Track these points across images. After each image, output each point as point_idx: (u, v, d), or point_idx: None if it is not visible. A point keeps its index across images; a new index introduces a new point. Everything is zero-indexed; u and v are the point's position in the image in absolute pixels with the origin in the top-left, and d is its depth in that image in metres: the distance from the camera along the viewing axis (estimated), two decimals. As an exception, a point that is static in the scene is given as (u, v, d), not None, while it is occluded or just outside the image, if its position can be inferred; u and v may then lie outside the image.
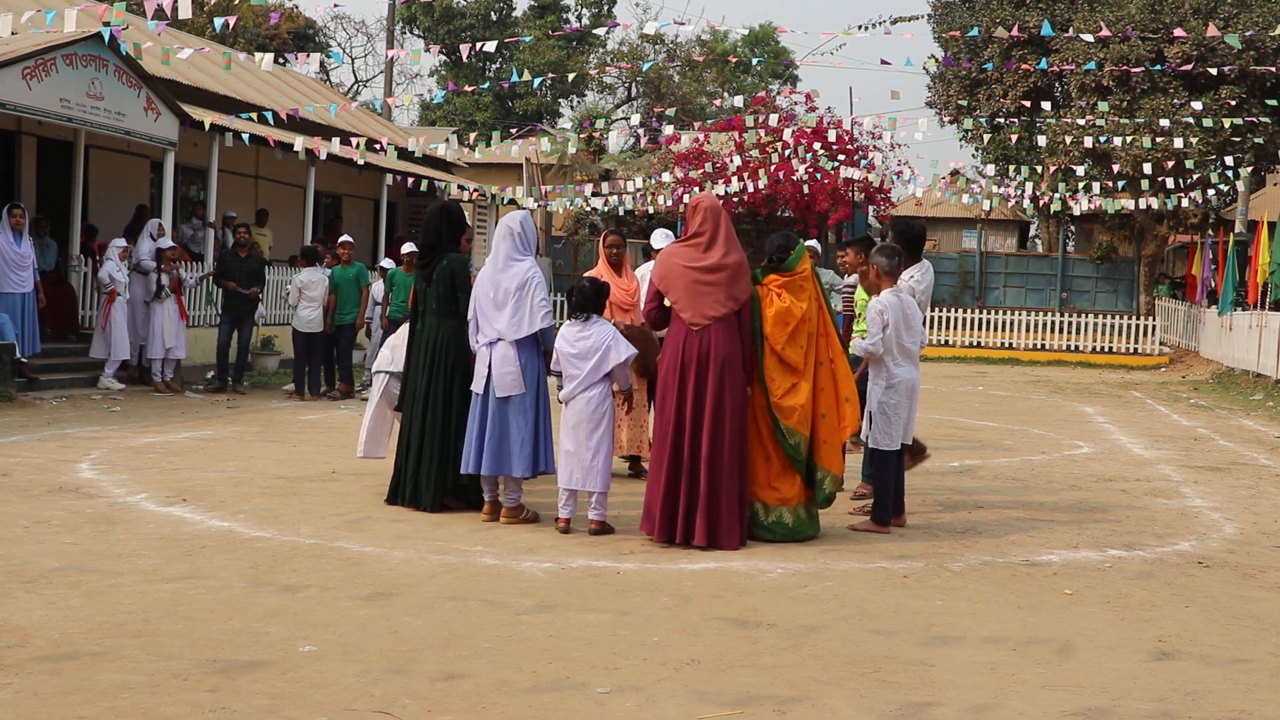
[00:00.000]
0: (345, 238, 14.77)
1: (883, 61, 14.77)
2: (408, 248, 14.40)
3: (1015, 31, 17.85)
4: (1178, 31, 17.56)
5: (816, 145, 24.08)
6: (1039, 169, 23.67)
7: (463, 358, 7.30)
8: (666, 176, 24.35)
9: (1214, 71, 18.11)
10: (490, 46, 15.11)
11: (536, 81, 15.86)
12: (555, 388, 7.10)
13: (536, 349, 7.01)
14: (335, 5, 13.07)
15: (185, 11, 10.59)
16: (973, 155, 32.50)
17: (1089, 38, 16.02)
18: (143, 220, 16.04)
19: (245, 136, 16.36)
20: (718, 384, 6.56)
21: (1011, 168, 25.19)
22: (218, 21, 13.23)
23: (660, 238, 8.92)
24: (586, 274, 7.51)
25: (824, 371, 6.83)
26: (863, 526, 7.25)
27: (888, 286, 7.24)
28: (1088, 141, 21.96)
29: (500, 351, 6.91)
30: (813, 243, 8.82)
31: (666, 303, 6.87)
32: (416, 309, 7.50)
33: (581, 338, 6.86)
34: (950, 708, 4.19)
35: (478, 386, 6.98)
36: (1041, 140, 21.47)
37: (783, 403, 6.69)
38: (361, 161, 18.75)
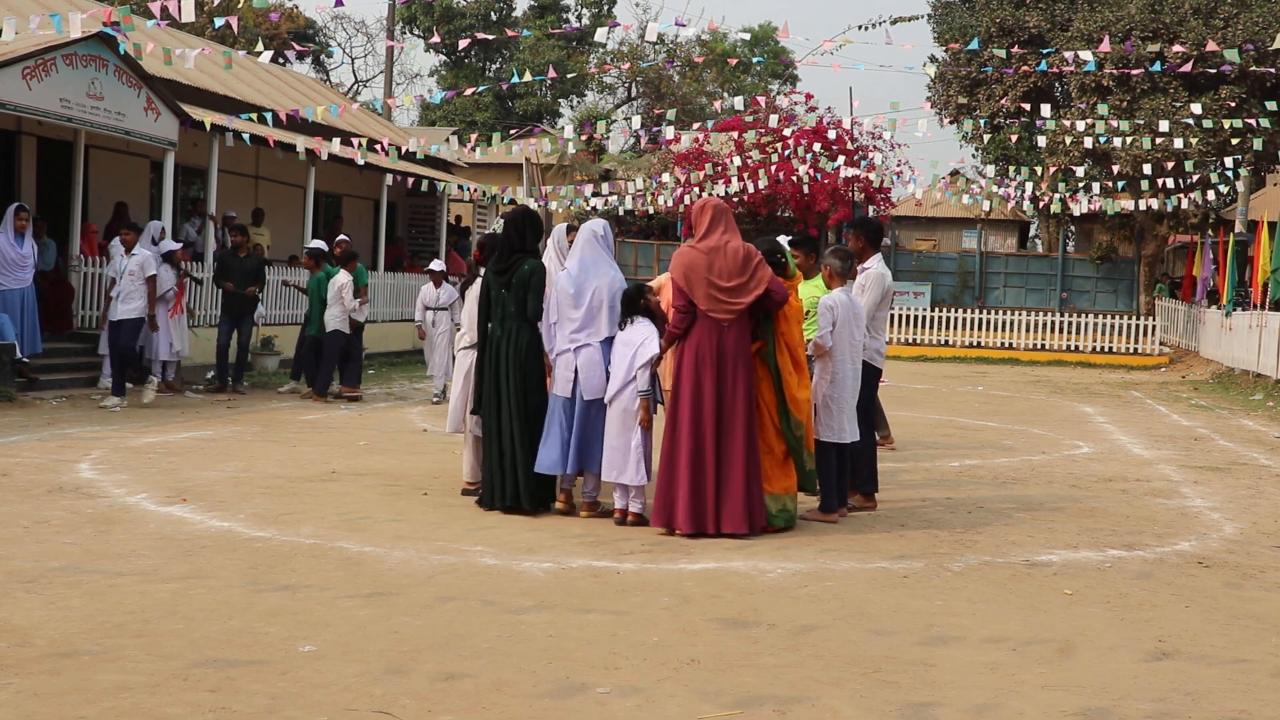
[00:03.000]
0: (341, 237, 14.74)
1: (882, 66, 14.76)
2: (315, 244, 14.41)
3: (1015, 47, 17.78)
4: (1176, 47, 17.55)
5: (816, 145, 24.08)
6: (1039, 169, 23.65)
7: (539, 361, 7.39)
8: (666, 177, 24.34)
9: (1213, 72, 18.10)
10: (489, 41, 15.09)
11: (536, 79, 15.81)
12: None
13: (609, 352, 7.17)
14: (337, 5, 13.02)
15: (189, 14, 10.59)
16: (973, 155, 32.48)
17: (1088, 55, 15.92)
18: (121, 217, 16.02)
19: (245, 137, 16.36)
20: (735, 379, 6.85)
21: (1011, 168, 25.18)
22: (220, 22, 13.22)
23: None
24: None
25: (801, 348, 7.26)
26: (811, 516, 7.48)
27: (838, 285, 7.59)
28: (1088, 142, 21.94)
29: (588, 355, 7.14)
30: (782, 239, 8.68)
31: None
32: (490, 313, 7.48)
33: (629, 336, 7.05)
34: (950, 708, 4.19)
35: (565, 390, 7.15)
36: (1041, 140, 21.47)
37: (798, 395, 7.04)
38: (362, 162, 18.74)
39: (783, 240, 8.17)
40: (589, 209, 23.05)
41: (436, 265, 13.87)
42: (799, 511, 7.49)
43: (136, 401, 12.46)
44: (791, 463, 7.10)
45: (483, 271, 8.01)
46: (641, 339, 7.01)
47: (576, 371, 7.16)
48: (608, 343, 7.18)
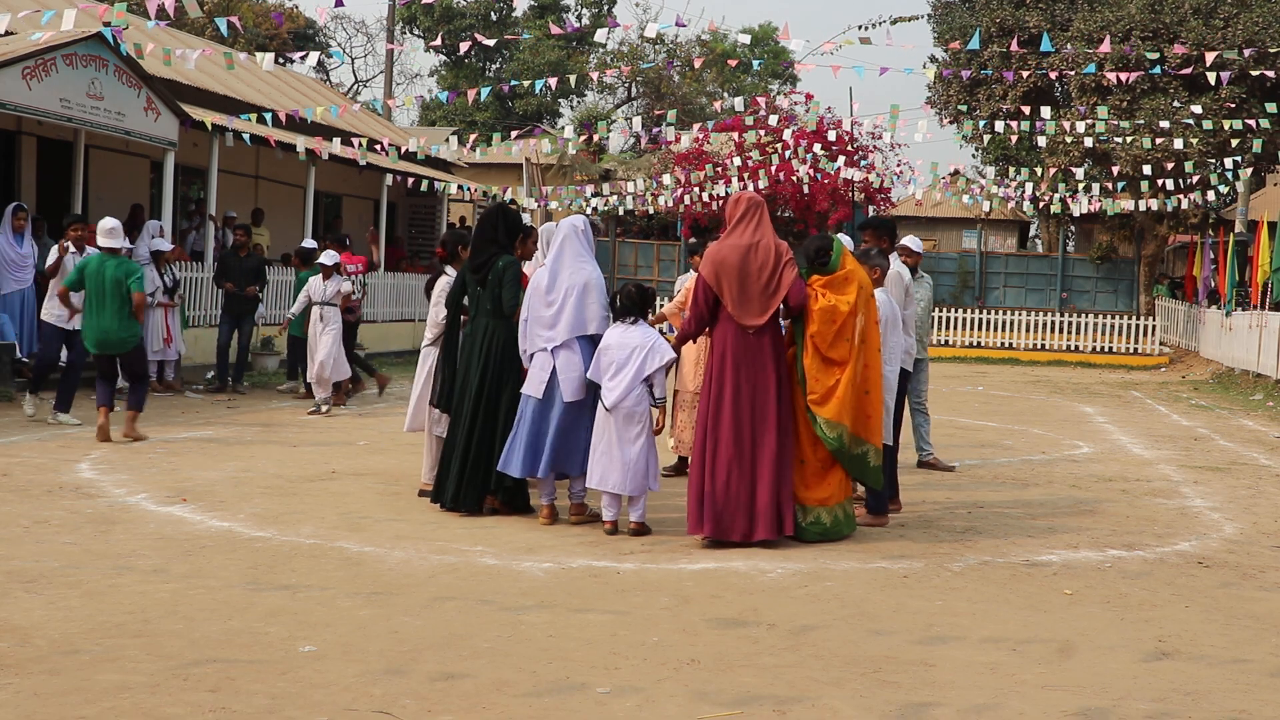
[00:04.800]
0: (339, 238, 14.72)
1: (882, 70, 14.69)
2: (309, 243, 14.27)
3: (1015, 45, 17.70)
4: (1177, 48, 17.49)
5: (816, 146, 24.09)
6: (1039, 170, 23.64)
7: (515, 360, 7.29)
8: (667, 178, 24.32)
9: (1213, 77, 18.05)
10: (492, 45, 15.09)
11: (539, 85, 15.75)
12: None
13: (591, 352, 6.99)
14: (337, 5, 13.01)
15: (193, 9, 10.58)
16: (972, 155, 32.47)
17: (1087, 54, 15.86)
18: (138, 220, 16.04)
19: (245, 137, 16.36)
20: (768, 383, 6.70)
21: (1011, 169, 25.18)
22: (220, 22, 13.22)
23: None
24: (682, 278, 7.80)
25: (869, 350, 6.94)
26: (862, 521, 7.32)
27: (878, 286, 7.45)
28: (1088, 142, 21.93)
29: (566, 356, 6.94)
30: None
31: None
32: (464, 310, 7.43)
33: (626, 341, 6.85)
34: (950, 708, 4.20)
35: (537, 391, 6.96)
36: (1041, 141, 21.48)
37: (821, 398, 6.81)
38: (363, 162, 18.75)
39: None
40: (589, 209, 23.05)
41: (326, 257, 12.68)
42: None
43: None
44: (835, 472, 6.87)
45: (447, 269, 7.97)
46: (650, 343, 6.82)
47: (554, 372, 6.95)
48: (584, 341, 6.96)
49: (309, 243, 14.86)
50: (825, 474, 6.87)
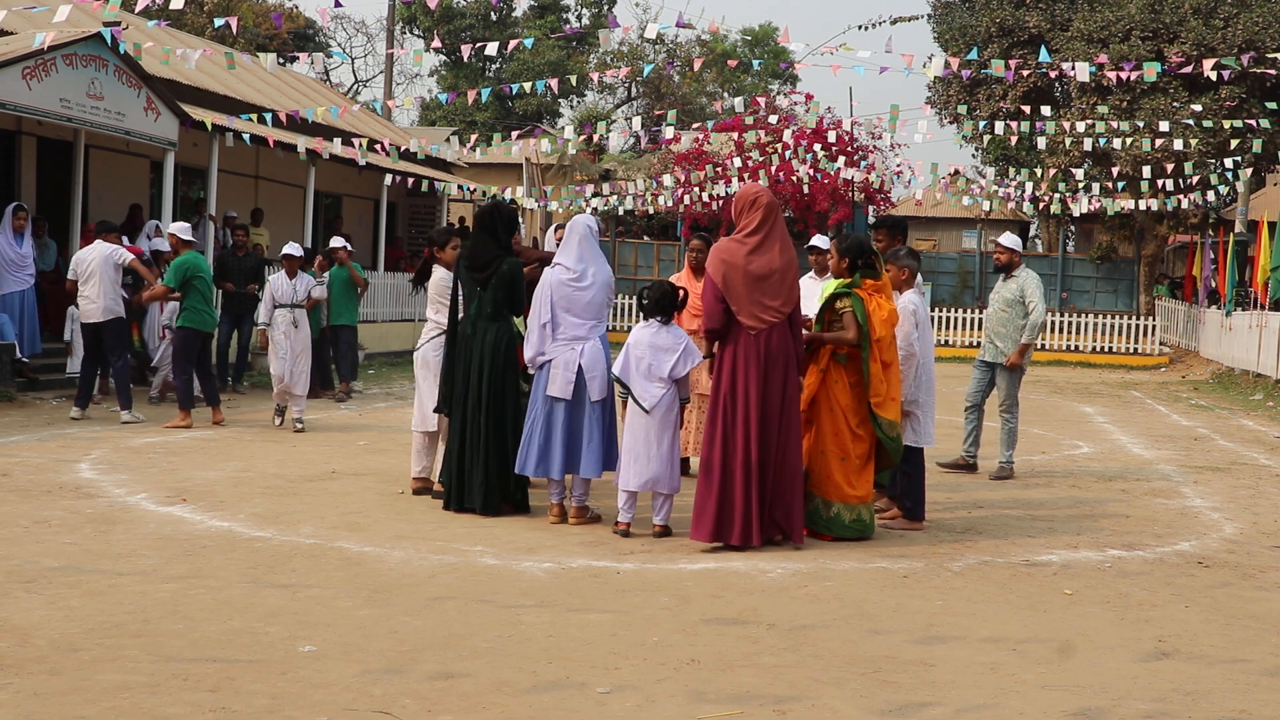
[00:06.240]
0: (337, 240, 14.66)
1: (882, 70, 14.64)
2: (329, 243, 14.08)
3: (1015, 48, 17.63)
4: (1175, 56, 17.47)
5: (816, 146, 24.12)
6: (1039, 171, 23.63)
7: (515, 361, 7.28)
8: (667, 178, 24.33)
9: (1213, 77, 18.02)
10: (491, 49, 15.07)
11: (540, 86, 15.74)
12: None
13: (606, 348, 7.01)
14: (337, 5, 12.98)
15: (178, 2, 10.61)
16: (972, 155, 32.49)
17: (1084, 66, 15.81)
18: (136, 220, 16.04)
19: (245, 137, 16.36)
20: (782, 385, 6.66)
21: (1011, 169, 25.17)
22: (219, 22, 13.22)
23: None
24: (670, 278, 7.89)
25: (893, 350, 7.03)
26: (898, 525, 7.35)
27: (909, 289, 7.51)
28: (1087, 143, 21.92)
29: (593, 353, 6.93)
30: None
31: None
32: (463, 311, 7.38)
33: (659, 342, 6.83)
34: (949, 707, 4.20)
35: (565, 392, 6.92)
36: (1041, 141, 21.46)
37: (882, 400, 6.86)
38: (363, 162, 18.74)
39: (820, 241, 8.14)
40: (589, 209, 23.04)
41: (292, 249, 11.86)
42: (887, 523, 7.35)
43: (141, 402, 12.42)
44: (870, 468, 6.91)
45: (436, 267, 7.93)
46: (682, 345, 6.83)
47: (581, 372, 6.95)
48: (603, 338, 7.03)
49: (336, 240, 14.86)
50: (863, 471, 6.91)
